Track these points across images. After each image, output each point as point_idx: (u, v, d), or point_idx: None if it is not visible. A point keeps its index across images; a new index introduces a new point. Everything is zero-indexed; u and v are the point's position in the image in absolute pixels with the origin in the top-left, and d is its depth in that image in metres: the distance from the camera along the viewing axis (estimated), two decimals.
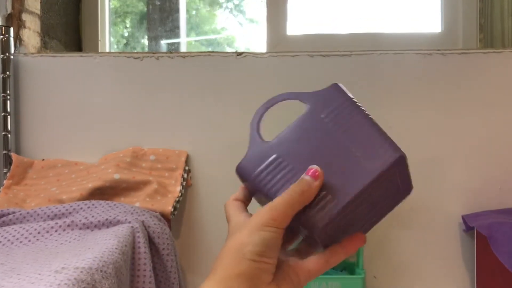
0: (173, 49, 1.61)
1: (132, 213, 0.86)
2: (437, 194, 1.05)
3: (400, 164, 0.39)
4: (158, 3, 1.57)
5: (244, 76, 1.06)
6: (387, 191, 0.40)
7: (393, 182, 0.40)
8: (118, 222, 0.82)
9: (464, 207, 1.04)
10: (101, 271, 0.61)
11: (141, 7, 1.64)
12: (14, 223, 0.86)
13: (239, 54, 1.07)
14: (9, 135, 1.05)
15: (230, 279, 0.36)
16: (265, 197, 0.41)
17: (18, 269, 0.62)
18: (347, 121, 0.43)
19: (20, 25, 1.11)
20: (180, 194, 1.00)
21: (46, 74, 1.08)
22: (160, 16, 1.57)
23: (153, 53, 1.08)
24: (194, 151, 1.07)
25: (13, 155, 1.03)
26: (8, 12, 1.09)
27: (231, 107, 1.06)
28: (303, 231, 0.40)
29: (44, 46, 1.17)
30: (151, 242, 0.85)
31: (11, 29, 1.07)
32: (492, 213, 0.99)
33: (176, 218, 1.06)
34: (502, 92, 1.04)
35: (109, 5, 1.41)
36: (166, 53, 1.08)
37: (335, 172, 0.39)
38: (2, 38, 1.05)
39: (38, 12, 1.15)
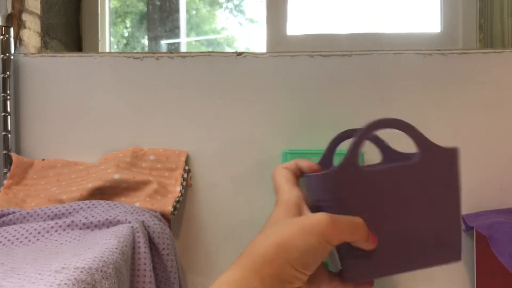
0: (173, 49, 1.61)
1: (132, 213, 0.86)
2: None
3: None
4: (158, 3, 1.57)
5: (244, 76, 1.06)
6: None
7: None
8: (118, 222, 0.82)
9: (463, 207, 1.04)
10: (101, 271, 0.61)
11: (141, 7, 1.64)
12: (14, 223, 0.86)
13: (239, 54, 1.07)
14: (9, 135, 1.05)
15: (266, 275, 0.34)
16: (335, 207, 0.38)
17: (18, 269, 0.62)
18: (444, 195, 0.39)
19: (20, 25, 1.11)
20: (180, 194, 1.00)
21: (46, 74, 1.08)
22: (160, 16, 1.57)
23: (153, 53, 1.08)
24: (194, 151, 1.07)
25: (13, 155, 1.04)
26: (8, 12, 1.09)
27: (231, 107, 1.06)
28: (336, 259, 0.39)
29: (44, 46, 1.17)
30: (151, 242, 0.85)
31: (11, 29, 1.07)
32: (492, 213, 0.99)
33: (176, 218, 1.06)
34: (502, 92, 1.04)
35: (109, 5, 1.41)
36: (166, 53, 1.08)
37: (400, 238, 0.37)
38: (2, 38, 1.05)
39: (38, 12, 1.15)
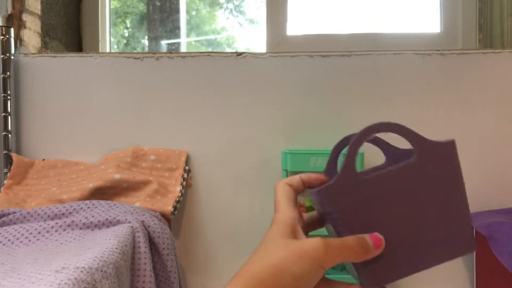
0: (173, 49, 1.61)
1: (132, 213, 0.87)
2: None
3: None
4: (158, 3, 1.57)
5: (244, 76, 1.06)
6: None
7: None
8: (118, 222, 0.82)
9: None
10: (101, 271, 0.61)
11: (142, 7, 1.64)
12: (15, 223, 0.86)
13: (239, 54, 1.07)
14: (9, 135, 1.05)
15: None
16: (332, 227, 0.39)
17: (19, 269, 0.62)
18: (448, 189, 0.38)
19: (20, 26, 1.11)
20: (180, 194, 1.00)
21: (47, 74, 1.08)
22: (160, 17, 1.57)
23: (153, 53, 1.08)
24: (194, 151, 1.07)
25: (14, 155, 1.04)
26: (9, 12, 1.09)
27: (231, 107, 1.06)
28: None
29: (45, 46, 1.17)
30: (151, 242, 0.85)
31: (12, 30, 1.08)
32: (492, 213, 0.99)
33: (176, 218, 1.06)
34: (502, 92, 1.04)
35: (110, 6, 1.42)
36: (166, 53, 1.08)
37: (411, 237, 0.37)
38: (3, 39, 1.05)
39: (39, 12, 1.15)
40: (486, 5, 1.21)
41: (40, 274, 0.57)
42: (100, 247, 0.68)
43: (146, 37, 1.66)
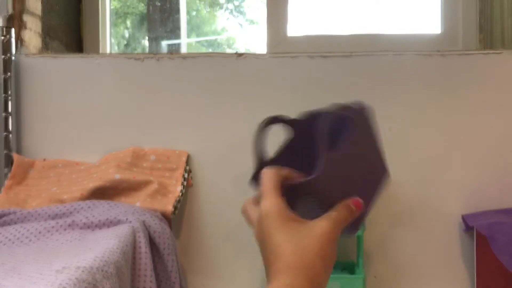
0: (174, 50, 1.61)
1: (133, 213, 0.87)
2: (437, 193, 1.05)
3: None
4: (158, 4, 1.58)
5: (244, 77, 1.07)
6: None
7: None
8: (119, 222, 0.82)
9: (464, 207, 1.04)
10: (102, 270, 0.61)
11: (142, 8, 1.65)
12: (15, 223, 0.87)
13: (240, 55, 1.07)
14: (10, 135, 1.05)
15: (317, 285, 0.40)
16: (315, 203, 0.45)
17: (19, 269, 0.62)
18: (370, 147, 0.50)
19: (21, 26, 1.11)
20: (180, 194, 1.00)
21: (47, 74, 1.08)
22: (160, 17, 1.58)
23: (154, 54, 1.08)
24: (195, 151, 1.07)
25: (14, 155, 1.04)
26: (9, 13, 1.10)
27: (232, 107, 1.07)
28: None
29: (45, 47, 1.17)
30: (152, 241, 0.85)
31: (12, 30, 1.08)
32: (492, 213, 0.99)
33: (176, 217, 1.06)
34: (502, 93, 1.05)
35: (110, 6, 1.42)
36: (166, 54, 1.09)
37: (359, 191, 0.46)
38: (4, 39, 1.06)
39: (39, 13, 1.15)
40: (486, 6, 1.21)
41: (41, 274, 0.57)
42: (101, 247, 0.68)
43: (147, 38, 1.66)
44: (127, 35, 1.68)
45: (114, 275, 0.64)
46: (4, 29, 1.06)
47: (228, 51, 1.57)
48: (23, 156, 1.06)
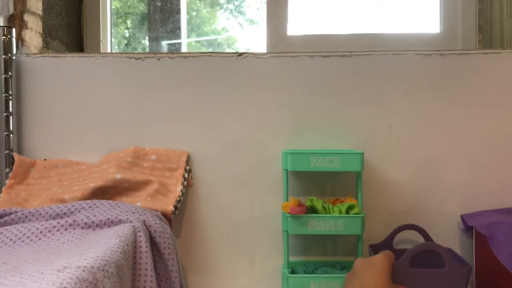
0: (174, 50, 1.62)
1: (133, 213, 0.87)
2: (436, 193, 1.05)
3: None
4: (159, 4, 1.58)
5: (244, 76, 1.07)
6: None
7: None
8: (120, 222, 0.83)
9: (463, 207, 1.05)
10: (103, 270, 0.61)
11: (142, 8, 1.65)
12: (17, 223, 0.87)
13: (240, 54, 1.07)
14: (11, 135, 1.05)
15: None
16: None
17: (21, 268, 0.62)
18: None
19: (22, 26, 1.12)
20: (181, 194, 1.00)
21: (48, 74, 1.09)
22: (161, 17, 1.58)
23: (154, 54, 1.08)
24: (195, 151, 1.07)
25: (15, 155, 1.04)
26: (10, 13, 1.10)
27: (232, 107, 1.07)
28: None
29: (46, 46, 1.17)
30: (152, 241, 0.86)
31: (13, 30, 1.08)
32: (492, 213, 0.99)
33: (177, 217, 1.06)
34: (501, 92, 1.05)
35: (110, 6, 1.42)
36: (167, 53, 1.09)
37: None
38: (4, 39, 1.06)
39: (40, 12, 1.16)
40: (486, 6, 1.21)
41: (42, 273, 0.58)
42: (102, 246, 0.69)
43: (147, 38, 1.66)
44: (127, 35, 1.68)
45: (115, 274, 0.64)
46: (5, 28, 1.06)
47: (228, 51, 1.57)
48: (24, 156, 1.07)
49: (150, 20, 1.62)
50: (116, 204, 0.90)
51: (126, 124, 1.08)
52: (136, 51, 1.65)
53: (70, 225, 0.83)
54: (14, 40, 1.08)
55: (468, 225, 0.99)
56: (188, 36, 1.63)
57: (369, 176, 1.05)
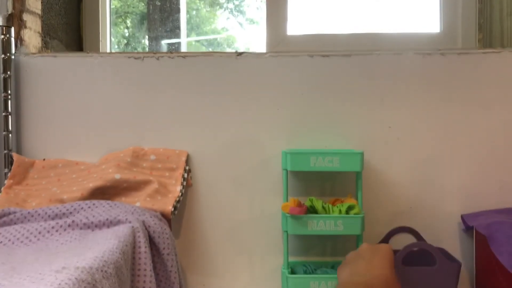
0: (174, 49, 1.61)
1: (132, 213, 0.87)
2: (437, 193, 1.05)
3: None
4: (158, 3, 1.58)
5: (244, 76, 1.07)
6: None
7: None
8: (119, 222, 0.83)
9: (463, 207, 1.04)
10: (102, 270, 0.61)
11: (142, 7, 1.65)
12: (15, 223, 0.87)
13: (239, 54, 1.07)
14: (10, 135, 1.05)
15: None
16: None
17: (19, 269, 0.62)
18: None
19: (21, 25, 1.11)
20: (180, 194, 1.00)
21: (47, 74, 1.08)
22: (160, 17, 1.58)
23: (154, 53, 1.08)
24: (195, 151, 1.07)
25: (14, 155, 1.04)
26: (9, 12, 1.10)
27: (232, 107, 1.07)
28: None
29: (45, 46, 1.17)
30: (151, 241, 0.86)
31: (12, 29, 1.08)
32: (492, 213, 0.99)
33: (176, 218, 1.06)
34: (501, 92, 1.05)
35: (110, 5, 1.42)
36: (166, 53, 1.09)
37: None
38: (3, 38, 1.06)
39: (39, 12, 1.15)
40: (485, 5, 1.21)
41: (40, 274, 0.58)
42: (101, 247, 0.68)
43: (147, 37, 1.66)
44: (127, 34, 1.68)
45: (114, 275, 0.64)
46: (4, 28, 1.06)
47: (228, 50, 1.57)
48: (23, 155, 1.06)
49: (150, 19, 1.61)
50: (115, 205, 0.90)
51: (125, 123, 1.08)
52: (135, 51, 1.65)
53: (69, 225, 0.82)
54: (13, 39, 1.08)
55: (468, 225, 0.99)
56: (188, 36, 1.63)
57: (369, 176, 1.05)
